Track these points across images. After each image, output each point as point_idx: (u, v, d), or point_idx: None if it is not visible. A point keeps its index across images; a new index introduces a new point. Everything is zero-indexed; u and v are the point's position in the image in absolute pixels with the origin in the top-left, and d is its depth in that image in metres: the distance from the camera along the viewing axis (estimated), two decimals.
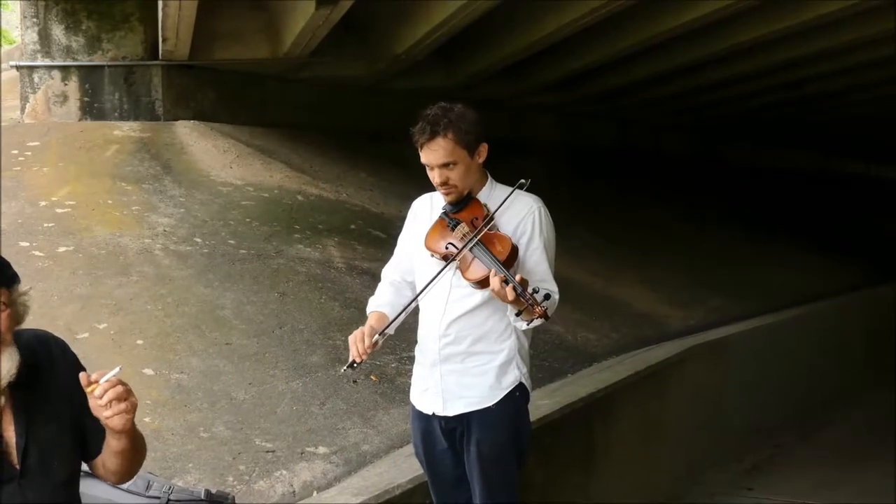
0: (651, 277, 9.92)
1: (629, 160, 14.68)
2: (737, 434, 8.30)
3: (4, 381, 2.58)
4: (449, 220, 3.58)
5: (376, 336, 3.55)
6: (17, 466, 2.64)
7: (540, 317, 3.32)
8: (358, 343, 3.51)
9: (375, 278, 3.88)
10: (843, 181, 20.89)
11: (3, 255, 2.71)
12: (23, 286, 2.70)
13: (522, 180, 3.57)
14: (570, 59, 10.40)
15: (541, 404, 5.38)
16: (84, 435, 2.78)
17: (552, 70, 10.85)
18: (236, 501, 3.56)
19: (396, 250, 3.88)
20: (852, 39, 9.79)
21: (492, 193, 3.63)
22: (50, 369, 2.75)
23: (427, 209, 3.76)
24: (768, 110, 15.04)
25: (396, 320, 3.63)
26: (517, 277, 3.32)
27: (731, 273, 11.36)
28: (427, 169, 3.57)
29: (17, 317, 2.66)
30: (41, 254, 6.19)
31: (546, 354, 6.81)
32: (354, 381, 5.47)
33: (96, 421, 2.66)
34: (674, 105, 13.94)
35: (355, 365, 3.53)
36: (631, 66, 10.93)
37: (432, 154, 3.49)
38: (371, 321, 3.65)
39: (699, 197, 14.63)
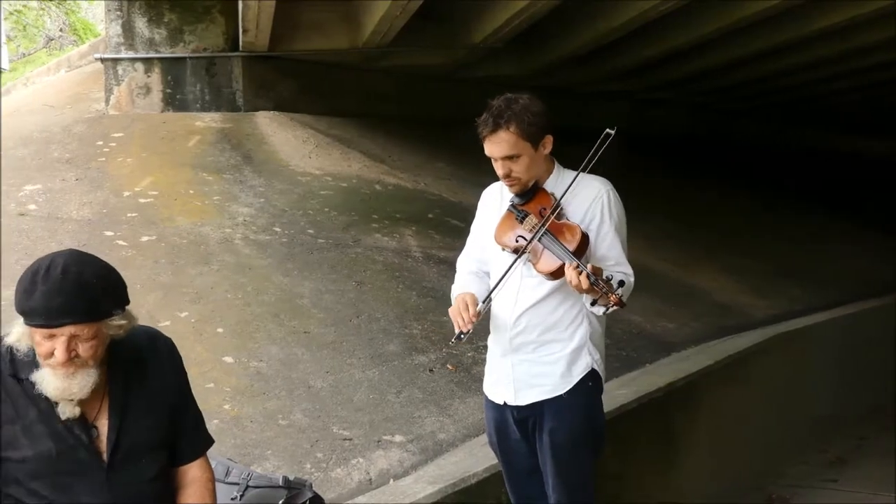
0: (730, 266, 9.77)
1: (701, 146, 14.46)
2: (820, 425, 8.14)
3: (77, 397, 2.61)
4: (517, 212, 3.53)
5: (480, 305, 3.48)
6: (106, 459, 2.67)
7: (615, 304, 3.27)
8: (463, 312, 3.45)
9: (452, 267, 3.86)
10: None
11: (91, 246, 2.73)
12: (133, 310, 2.68)
13: (609, 130, 3.42)
14: (648, 46, 10.27)
15: (618, 394, 5.33)
16: (175, 439, 2.82)
17: (626, 57, 10.73)
18: (313, 488, 3.58)
19: (469, 239, 3.85)
20: None
21: (559, 181, 3.56)
22: (154, 366, 2.79)
23: (497, 199, 3.71)
24: (845, 95, 14.68)
25: (485, 304, 3.53)
26: (589, 266, 3.25)
27: (814, 261, 11.15)
28: (492, 160, 3.52)
29: (105, 339, 2.63)
30: (125, 243, 6.30)
31: (624, 344, 6.75)
32: (431, 370, 5.48)
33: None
34: (748, 90, 13.69)
35: (462, 336, 3.44)
36: (707, 52, 10.75)
37: (495, 147, 3.45)
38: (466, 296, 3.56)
39: (776, 183, 14.36)
